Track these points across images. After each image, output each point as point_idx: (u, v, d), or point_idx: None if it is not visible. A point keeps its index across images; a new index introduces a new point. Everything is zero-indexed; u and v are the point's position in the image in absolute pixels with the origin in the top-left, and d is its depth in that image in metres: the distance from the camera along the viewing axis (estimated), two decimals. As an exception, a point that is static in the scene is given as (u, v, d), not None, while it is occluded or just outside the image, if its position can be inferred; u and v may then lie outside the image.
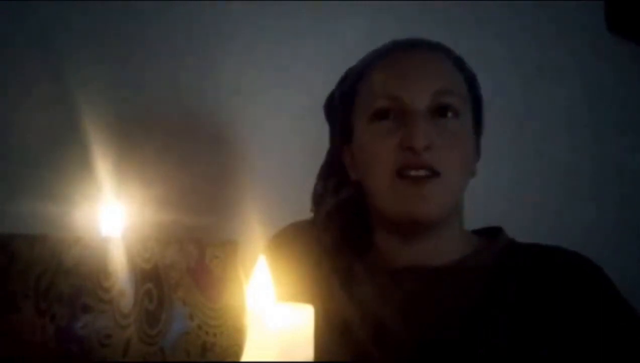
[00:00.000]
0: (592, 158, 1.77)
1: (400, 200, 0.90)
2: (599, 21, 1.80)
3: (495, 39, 1.58)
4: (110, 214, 0.54)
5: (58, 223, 0.89)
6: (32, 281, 0.44)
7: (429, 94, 0.90)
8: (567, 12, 1.73)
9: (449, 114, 0.91)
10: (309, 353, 0.61)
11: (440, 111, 0.91)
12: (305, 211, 1.03)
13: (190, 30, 1.19)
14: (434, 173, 0.89)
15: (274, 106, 1.28)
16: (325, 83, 1.04)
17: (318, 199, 1.02)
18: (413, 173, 0.89)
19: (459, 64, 0.97)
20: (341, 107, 0.99)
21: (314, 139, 1.08)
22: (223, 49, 1.23)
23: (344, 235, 0.99)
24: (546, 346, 0.87)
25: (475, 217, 1.00)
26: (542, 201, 1.66)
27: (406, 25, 1.39)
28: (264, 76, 1.27)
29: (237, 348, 0.50)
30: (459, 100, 0.93)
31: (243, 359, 0.51)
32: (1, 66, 0.99)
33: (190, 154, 1.18)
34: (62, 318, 0.43)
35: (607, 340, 0.88)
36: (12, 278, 0.44)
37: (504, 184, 1.50)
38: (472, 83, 0.97)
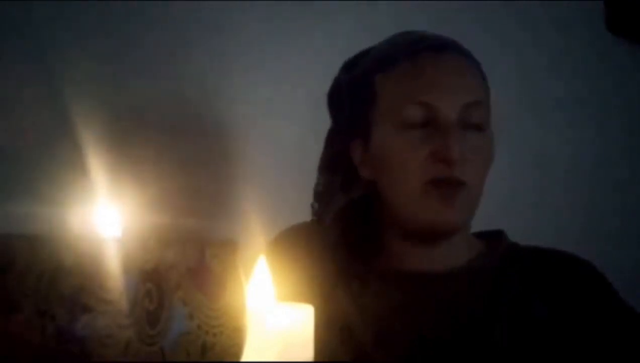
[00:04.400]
0: (593, 158, 1.77)
1: (428, 209, 0.89)
2: (599, 21, 1.79)
3: (494, 39, 1.57)
4: (110, 215, 0.54)
5: (56, 225, 0.89)
6: (32, 281, 0.44)
7: (461, 106, 0.89)
8: (567, 12, 1.73)
9: (478, 128, 0.91)
10: (309, 353, 0.61)
11: (469, 124, 0.90)
12: (305, 211, 1.03)
13: (188, 30, 1.19)
14: (460, 183, 0.88)
15: (273, 105, 1.28)
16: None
17: (320, 197, 1.00)
18: (443, 184, 0.88)
19: (479, 68, 0.95)
20: (354, 100, 0.96)
21: (314, 139, 1.08)
22: (221, 49, 1.23)
23: (352, 234, 0.98)
24: (548, 347, 0.87)
25: (475, 217, 0.99)
26: (542, 201, 1.66)
27: (406, 23, 1.39)
28: (264, 76, 1.27)
29: (237, 348, 0.50)
30: (485, 112, 0.92)
31: (243, 359, 0.51)
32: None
33: (190, 154, 1.18)
34: (62, 318, 0.43)
35: (607, 340, 0.88)
36: (12, 279, 0.44)
37: (503, 184, 1.50)
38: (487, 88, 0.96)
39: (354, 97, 0.96)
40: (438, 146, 0.88)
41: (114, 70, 1.09)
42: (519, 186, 1.60)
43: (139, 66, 1.12)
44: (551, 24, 1.71)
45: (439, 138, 0.88)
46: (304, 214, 1.03)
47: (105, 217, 0.53)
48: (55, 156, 0.99)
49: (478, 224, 1.01)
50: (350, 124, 0.97)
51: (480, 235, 1.00)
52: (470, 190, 0.89)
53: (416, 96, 0.90)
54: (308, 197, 1.03)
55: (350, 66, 0.99)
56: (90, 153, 0.95)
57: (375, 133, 0.93)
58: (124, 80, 1.11)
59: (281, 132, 1.28)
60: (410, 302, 0.92)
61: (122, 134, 1.06)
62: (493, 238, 0.99)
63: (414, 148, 0.89)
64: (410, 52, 0.93)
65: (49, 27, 1.03)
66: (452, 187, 0.88)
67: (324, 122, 1.04)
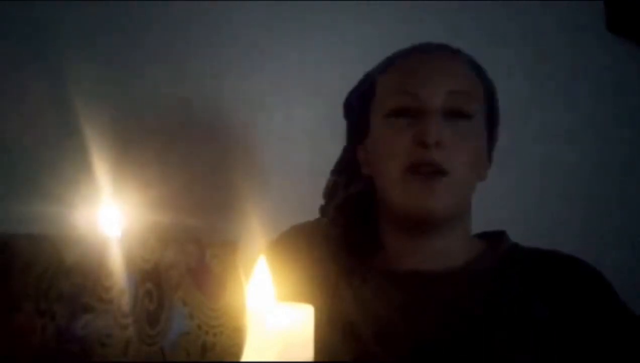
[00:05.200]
0: (593, 158, 1.77)
1: (408, 195, 0.91)
2: (599, 21, 1.79)
3: (495, 39, 1.57)
4: (110, 215, 0.54)
5: (58, 223, 0.89)
6: (32, 281, 0.44)
7: (444, 93, 0.92)
8: (567, 12, 1.73)
9: (462, 115, 0.93)
10: (309, 353, 0.61)
11: (453, 112, 0.92)
12: (305, 212, 1.03)
13: (189, 30, 1.19)
14: (442, 172, 0.90)
15: (274, 106, 1.28)
16: (326, 83, 1.04)
17: (329, 192, 1.03)
18: (422, 169, 0.90)
19: (480, 72, 0.98)
20: (358, 105, 1.00)
21: (314, 140, 1.08)
22: (223, 49, 1.23)
23: (352, 233, 0.99)
24: (546, 348, 0.87)
25: (475, 217, 0.99)
26: (542, 202, 1.66)
27: (408, 24, 1.39)
28: (265, 77, 1.27)
29: (237, 348, 0.50)
30: (472, 102, 0.94)
31: (243, 359, 0.51)
32: (0, 67, 0.99)
33: (190, 154, 1.18)
34: (62, 318, 0.43)
35: (607, 341, 0.89)
36: (12, 278, 0.44)
37: (503, 184, 1.50)
38: (490, 94, 0.99)
39: (360, 104, 0.99)
40: (417, 131, 0.90)
41: (117, 71, 1.09)
42: (520, 186, 1.60)
43: (142, 67, 1.13)
44: (551, 24, 1.71)
45: (421, 123, 0.91)
46: (305, 215, 1.03)
47: (107, 217, 0.53)
48: (59, 156, 0.99)
49: (479, 225, 1.01)
50: (357, 130, 1.00)
51: (482, 236, 1.01)
52: (452, 177, 0.90)
53: (402, 86, 0.94)
54: (308, 198, 1.03)
55: (360, 83, 1.02)
56: (93, 153, 0.95)
57: (371, 128, 0.97)
58: (127, 81, 1.11)
59: (282, 134, 1.28)
60: (410, 302, 0.92)
61: (125, 135, 1.06)
62: (494, 238, 1.00)
63: (399, 134, 0.92)
64: (406, 53, 0.97)
65: (55, 29, 1.03)
66: (431, 174, 0.90)
67: (324, 123, 1.04)
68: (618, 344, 0.89)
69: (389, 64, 0.98)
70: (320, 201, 1.03)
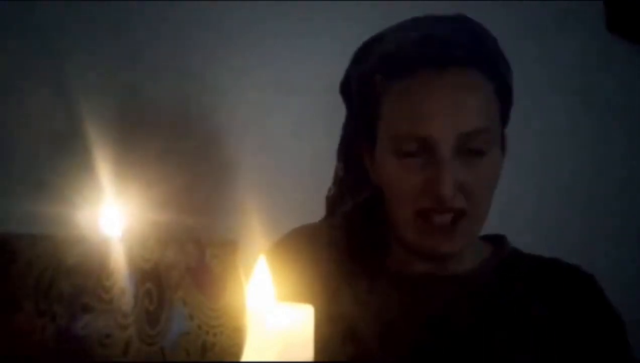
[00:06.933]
0: (592, 158, 1.77)
1: (422, 237, 0.88)
2: (599, 21, 1.80)
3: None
4: (111, 215, 0.54)
5: (58, 223, 0.89)
6: (32, 281, 0.44)
7: (458, 135, 0.85)
8: (567, 12, 1.73)
9: (479, 154, 0.87)
10: (309, 353, 0.61)
11: (469, 151, 0.87)
12: (304, 212, 1.03)
13: (189, 31, 1.19)
14: (461, 213, 0.87)
15: (274, 106, 1.28)
16: (325, 83, 1.04)
17: (339, 182, 1.00)
18: (437, 218, 0.87)
19: (491, 65, 0.89)
20: (361, 98, 0.94)
21: (314, 139, 1.08)
22: (223, 50, 1.23)
23: (358, 237, 0.98)
24: (546, 348, 0.88)
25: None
26: (542, 203, 1.66)
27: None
28: (264, 76, 1.27)
29: (237, 348, 0.50)
30: (489, 138, 0.88)
31: (243, 359, 0.51)
32: (1, 67, 0.99)
33: (190, 154, 1.18)
34: (62, 318, 0.43)
35: (598, 354, 0.89)
36: (12, 278, 0.44)
37: (503, 184, 1.51)
38: (502, 80, 0.90)
39: (361, 96, 0.94)
40: (431, 178, 0.86)
41: (118, 71, 1.09)
42: (520, 187, 1.61)
43: (142, 68, 1.13)
44: (551, 24, 1.71)
45: (433, 169, 0.85)
46: (304, 215, 1.03)
47: (107, 217, 0.54)
48: (60, 155, 0.99)
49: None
50: (360, 124, 0.96)
51: (482, 239, 1.00)
52: (471, 214, 0.87)
53: (411, 127, 0.87)
54: (308, 198, 1.03)
55: (358, 58, 0.96)
56: (94, 153, 0.95)
57: (378, 147, 0.92)
58: (128, 81, 1.11)
59: (282, 134, 1.28)
60: (411, 303, 0.92)
61: (126, 135, 1.06)
62: (495, 242, 1.00)
63: (410, 174, 0.87)
64: (411, 66, 0.88)
65: (57, 29, 1.03)
66: (446, 218, 0.86)
67: (326, 122, 1.04)
68: (609, 355, 0.90)
69: (392, 70, 0.89)
70: (321, 202, 1.03)
